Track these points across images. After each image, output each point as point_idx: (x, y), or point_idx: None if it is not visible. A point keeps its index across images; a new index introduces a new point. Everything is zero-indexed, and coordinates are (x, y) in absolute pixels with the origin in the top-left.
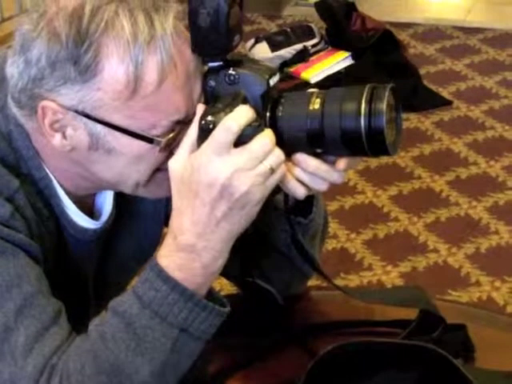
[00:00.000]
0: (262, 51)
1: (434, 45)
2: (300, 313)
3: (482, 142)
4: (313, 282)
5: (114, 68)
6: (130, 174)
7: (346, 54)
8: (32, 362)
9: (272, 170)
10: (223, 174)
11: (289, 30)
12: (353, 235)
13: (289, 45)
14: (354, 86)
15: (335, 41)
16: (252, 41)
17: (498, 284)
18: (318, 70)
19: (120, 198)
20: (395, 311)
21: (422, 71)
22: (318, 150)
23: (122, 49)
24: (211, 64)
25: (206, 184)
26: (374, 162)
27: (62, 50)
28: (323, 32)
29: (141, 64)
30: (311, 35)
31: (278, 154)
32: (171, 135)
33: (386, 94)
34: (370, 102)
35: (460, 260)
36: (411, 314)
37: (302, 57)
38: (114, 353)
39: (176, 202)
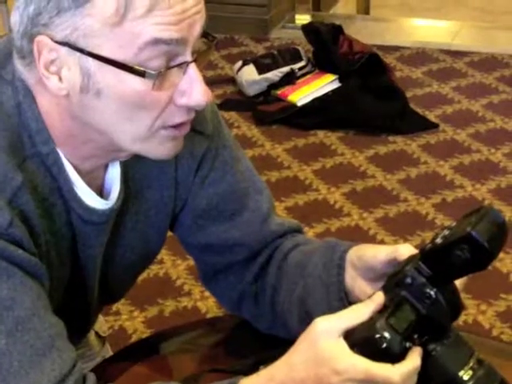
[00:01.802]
0: (249, 74)
1: (421, 68)
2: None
3: (468, 165)
4: None
5: None
6: (124, 122)
7: (333, 76)
8: None
9: None
10: None
11: (276, 52)
12: None
13: (276, 67)
14: None
15: (322, 64)
16: (239, 63)
17: (483, 307)
18: (305, 93)
19: (128, 183)
20: None
21: (409, 94)
22: None
23: None
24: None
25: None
26: (360, 185)
27: None
28: (310, 55)
29: None
30: (298, 58)
31: None
32: (161, 68)
33: None
34: None
35: None
36: None
37: (289, 79)
38: None
39: (294, 355)
